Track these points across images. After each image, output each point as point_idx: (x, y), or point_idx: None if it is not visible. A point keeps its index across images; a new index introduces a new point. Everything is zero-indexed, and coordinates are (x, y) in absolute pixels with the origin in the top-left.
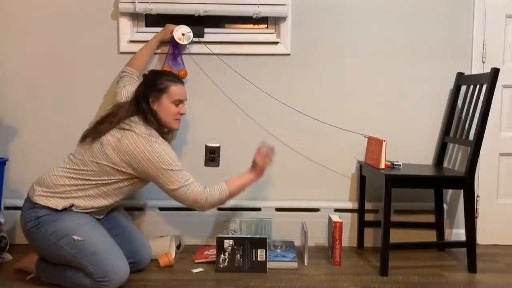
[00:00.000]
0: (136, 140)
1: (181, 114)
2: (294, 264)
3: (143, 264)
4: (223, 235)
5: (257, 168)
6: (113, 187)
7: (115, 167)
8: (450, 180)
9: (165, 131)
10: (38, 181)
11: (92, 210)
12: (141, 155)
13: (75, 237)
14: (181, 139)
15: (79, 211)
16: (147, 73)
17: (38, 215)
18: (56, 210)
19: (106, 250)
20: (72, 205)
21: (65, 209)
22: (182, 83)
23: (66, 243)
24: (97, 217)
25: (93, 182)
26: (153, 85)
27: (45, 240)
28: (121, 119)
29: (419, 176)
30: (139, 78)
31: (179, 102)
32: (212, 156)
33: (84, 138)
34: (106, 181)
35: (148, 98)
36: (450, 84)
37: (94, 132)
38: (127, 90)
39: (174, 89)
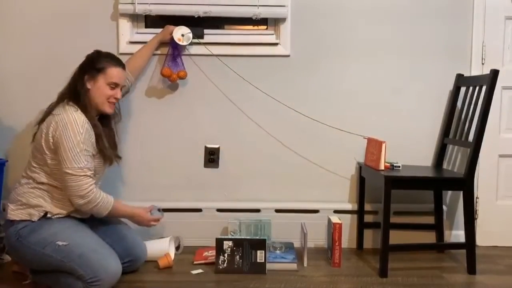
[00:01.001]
0: (51, 120)
1: (116, 98)
2: (294, 266)
3: (140, 261)
4: (223, 236)
5: (142, 219)
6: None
7: (47, 154)
8: (449, 181)
9: (96, 115)
10: (9, 200)
11: (69, 212)
12: (52, 131)
13: (59, 242)
14: (181, 140)
15: (56, 216)
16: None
17: (18, 229)
18: (33, 221)
19: (93, 250)
20: (46, 213)
21: (42, 218)
22: (122, 67)
23: (51, 250)
24: (80, 217)
25: (45, 180)
26: (91, 63)
27: (30, 250)
28: (52, 108)
29: (418, 177)
30: (132, 82)
31: (114, 85)
32: (211, 157)
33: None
34: (54, 177)
35: (84, 75)
36: (450, 86)
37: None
38: None
39: (112, 71)
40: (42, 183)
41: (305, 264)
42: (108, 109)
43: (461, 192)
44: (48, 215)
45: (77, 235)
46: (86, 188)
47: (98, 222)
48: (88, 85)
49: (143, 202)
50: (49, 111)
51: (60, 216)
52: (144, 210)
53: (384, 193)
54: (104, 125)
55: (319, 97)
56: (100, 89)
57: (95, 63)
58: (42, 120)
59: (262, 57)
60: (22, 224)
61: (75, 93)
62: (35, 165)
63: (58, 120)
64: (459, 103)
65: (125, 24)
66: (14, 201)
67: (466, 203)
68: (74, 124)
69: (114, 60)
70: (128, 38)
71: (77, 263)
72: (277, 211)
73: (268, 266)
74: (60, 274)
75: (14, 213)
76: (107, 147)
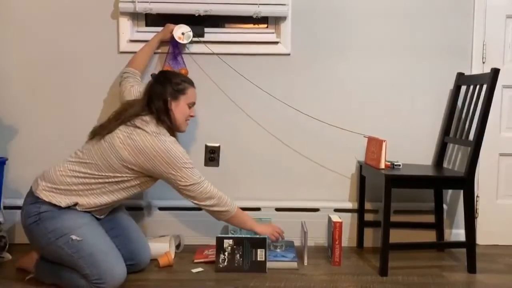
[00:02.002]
0: (149, 139)
1: (192, 116)
2: (294, 264)
3: (142, 265)
4: (223, 235)
5: (264, 231)
6: (120, 186)
7: (124, 164)
8: (450, 180)
9: (173, 132)
10: (43, 176)
11: (95, 209)
12: (154, 154)
13: (73, 236)
14: (181, 139)
15: (82, 210)
16: (157, 73)
17: (40, 211)
18: (58, 207)
19: (103, 252)
20: (76, 204)
21: (67, 207)
22: (194, 85)
23: (64, 242)
24: (98, 216)
25: (100, 180)
26: (170, 84)
27: (44, 237)
28: (131, 117)
29: (419, 176)
30: (142, 78)
31: (192, 104)
32: (212, 155)
33: (93, 135)
34: (113, 179)
35: (166, 97)
36: (450, 84)
37: (104, 129)
38: (136, 90)
39: (192, 91)
40: (94, 177)
41: (305, 263)
42: (185, 128)
43: (462, 191)
44: (77, 207)
45: (92, 233)
46: (210, 189)
47: (108, 222)
48: (171, 106)
49: (144, 200)
50: (125, 119)
51: (85, 210)
52: (263, 230)
53: (384, 191)
54: None
55: (319, 95)
56: (182, 110)
57: (174, 84)
58: (116, 125)
59: (262, 56)
60: (46, 207)
61: (161, 113)
62: (99, 163)
63: (157, 141)
64: (459, 102)
65: (125, 23)
66: (51, 181)
67: (466, 202)
68: (174, 144)
69: (188, 79)
70: (128, 37)
71: (85, 262)
72: (278, 209)
73: (269, 264)
74: (64, 269)
75: (45, 193)
76: None
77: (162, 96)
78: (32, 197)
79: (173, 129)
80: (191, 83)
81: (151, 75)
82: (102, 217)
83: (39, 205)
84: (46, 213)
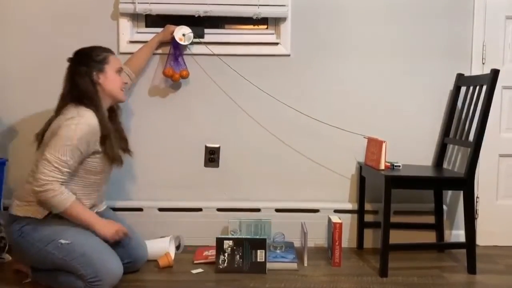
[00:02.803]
0: (64, 119)
1: (125, 83)
2: (294, 265)
3: (140, 263)
4: (223, 236)
5: (105, 230)
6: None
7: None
8: (450, 181)
9: (107, 112)
10: (15, 195)
11: None
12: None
13: (61, 240)
14: (181, 139)
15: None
16: (72, 55)
17: (21, 226)
18: (37, 220)
19: (95, 250)
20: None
21: (47, 216)
22: (114, 52)
23: (53, 248)
24: None
25: None
26: (90, 59)
27: (32, 247)
28: (58, 111)
29: (419, 177)
30: (134, 81)
31: (120, 70)
32: (211, 156)
33: (36, 143)
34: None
35: (91, 73)
36: (450, 85)
37: (39, 134)
38: None
39: (113, 58)
40: None
41: (305, 264)
42: (123, 96)
43: (461, 192)
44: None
45: (80, 234)
46: (52, 180)
47: None
48: (100, 80)
49: (144, 201)
50: (53, 117)
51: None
52: (110, 222)
53: (384, 192)
54: (112, 121)
55: (319, 96)
56: (112, 79)
57: (94, 56)
58: (45, 129)
59: (262, 57)
60: (25, 221)
61: (85, 94)
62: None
63: (69, 118)
64: (459, 103)
65: (125, 24)
66: (21, 199)
67: (466, 203)
68: (82, 120)
69: (106, 48)
70: (128, 38)
71: (78, 262)
72: (277, 210)
73: (268, 265)
74: (61, 272)
75: (19, 209)
76: (114, 147)
77: (87, 74)
78: (12, 217)
79: (101, 107)
80: (109, 51)
81: (67, 60)
82: None
83: (19, 221)
84: (28, 226)
